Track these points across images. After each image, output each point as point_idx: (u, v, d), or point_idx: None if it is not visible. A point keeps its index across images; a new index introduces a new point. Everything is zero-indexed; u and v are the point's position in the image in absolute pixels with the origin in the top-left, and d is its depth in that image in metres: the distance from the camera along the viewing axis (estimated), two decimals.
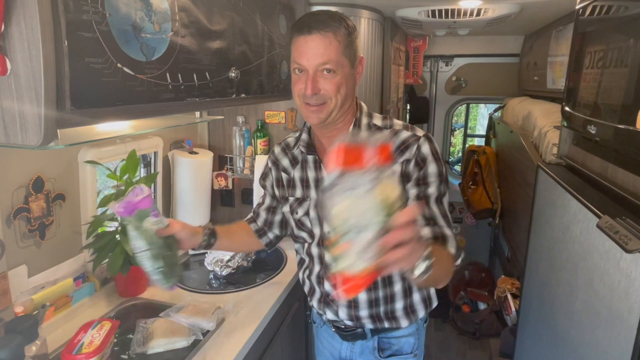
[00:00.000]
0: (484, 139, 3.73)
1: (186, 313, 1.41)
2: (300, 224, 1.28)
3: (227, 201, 2.31)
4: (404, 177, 1.10)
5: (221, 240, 1.32)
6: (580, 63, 1.29)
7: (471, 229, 3.90)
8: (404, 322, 1.24)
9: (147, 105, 1.07)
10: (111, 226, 1.58)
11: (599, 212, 0.99)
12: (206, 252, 1.88)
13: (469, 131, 4.89)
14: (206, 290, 1.70)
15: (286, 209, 1.31)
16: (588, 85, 1.21)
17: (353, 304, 1.23)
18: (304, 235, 1.28)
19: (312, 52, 1.05)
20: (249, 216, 1.47)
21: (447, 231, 1.07)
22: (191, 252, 2.03)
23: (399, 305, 1.22)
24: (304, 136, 1.24)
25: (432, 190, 1.09)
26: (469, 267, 3.62)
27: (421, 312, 1.26)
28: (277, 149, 1.34)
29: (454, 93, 3.77)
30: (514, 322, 2.26)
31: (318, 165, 1.21)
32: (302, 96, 1.09)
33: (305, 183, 1.24)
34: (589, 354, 1.05)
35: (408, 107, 3.76)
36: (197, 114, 1.70)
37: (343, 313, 1.25)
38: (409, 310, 1.24)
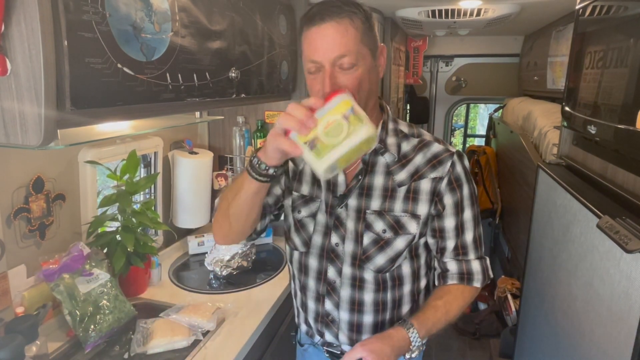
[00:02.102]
0: (484, 139, 3.73)
1: (186, 313, 1.41)
2: (299, 226, 1.12)
3: None
4: (432, 196, 1.02)
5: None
6: (580, 63, 1.29)
7: None
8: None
9: (147, 105, 1.07)
10: (111, 226, 1.58)
11: (599, 212, 0.99)
12: (206, 252, 1.88)
13: (469, 131, 4.90)
14: (206, 290, 1.70)
15: (287, 202, 1.14)
16: (588, 85, 1.21)
17: (356, 328, 1.11)
18: (298, 241, 1.12)
19: (328, 43, 0.90)
20: None
21: (474, 265, 1.06)
22: (191, 252, 2.03)
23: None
24: None
25: (468, 214, 1.05)
26: None
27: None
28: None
29: (454, 93, 3.77)
30: (514, 322, 2.26)
31: None
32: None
33: (316, 181, 1.09)
34: (589, 354, 1.05)
35: (408, 107, 3.76)
36: (197, 114, 1.70)
37: (343, 336, 1.13)
38: None
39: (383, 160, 1.03)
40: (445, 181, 1.01)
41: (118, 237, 1.52)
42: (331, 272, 1.09)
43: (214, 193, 2.25)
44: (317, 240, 1.09)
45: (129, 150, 1.56)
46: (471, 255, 1.06)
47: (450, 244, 1.06)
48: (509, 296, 2.42)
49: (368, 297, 1.08)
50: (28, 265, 1.29)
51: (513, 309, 2.33)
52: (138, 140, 1.71)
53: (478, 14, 2.21)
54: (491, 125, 3.48)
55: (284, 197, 1.16)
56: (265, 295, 1.65)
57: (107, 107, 0.95)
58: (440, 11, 2.20)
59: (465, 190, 1.04)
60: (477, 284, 1.06)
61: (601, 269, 0.99)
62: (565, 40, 2.12)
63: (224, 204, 1.05)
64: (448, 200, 1.03)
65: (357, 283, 1.07)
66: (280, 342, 1.71)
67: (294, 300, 1.24)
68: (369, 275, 1.06)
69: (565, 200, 1.24)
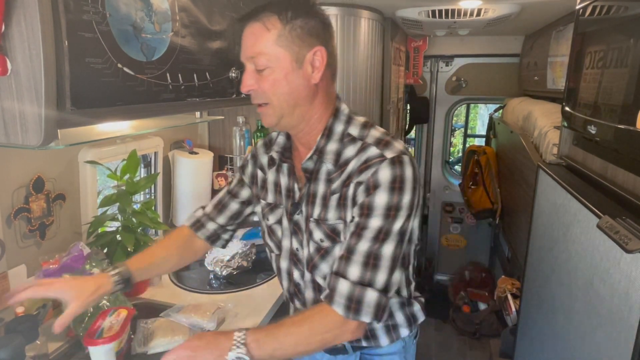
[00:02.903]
0: (484, 139, 3.73)
1: (186, 313, 1.41)
2: (271, 232, 1.15)
3: None
4: (352, 201, 0.94)
5: (140, 277, 1.18)
6: (580, 63, 1.29)
7: (471, 229, 3.90)
8: (384, 341, 1.10)
9: (147, 105, 1.07)
10: (111, 226, 1.58)
11: (599, 212, 0.99)
12: (206, 252, 1.88)
13: (469, 131, 4.89)
14: (206, 290, 1.70)
15: (258, 209, 1.19)
16: (588, 85, 1.21)
17: None
18: (272, 245, 1.15)
19: (245, 42, 0.93)
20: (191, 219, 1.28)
21: (342, 284, 0.90)
22: None
23: (377, 324, 1.07)
24: (281, 139, 1.09)
25: (373, 223, 0.90)
26: (469, 267, 3.62)
27: (404, 331, 1.11)
28: (260, 142, 1.20)
29: (454, 93, 3.77)
30: (514, 322, 2.26)
31: (291, 172, 1.06)
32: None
33: (278, 188, 1.10)
34: (589, 354, 1.05)
35: (408, 107, 3.76)
36: (197, 114, 1.70)
37: None
38: (391, 329, 1.10)
39: (325, 168, 1.00)
40: (363, 186, 0.92)
41: (118, 237, 1.52)
42: (296, 275, 1.11)
43: (214, 193, 2.25)
44: (285, 244, 1.11)
45: (129, 150, 1.56)
46: (350, 272, 0.90)
47: (338, 249, 0.98)
48: (509, 296, 2.41)
49: None
50: (28, 265, 1.29)
51: (513, 309, 2.32)
52: (138, 140, 1.71)
53: (478, 14, 2.21)
54: (491, 125, 3.48)
55: (254, 205, 1.22)
56: (265, 295, 1.65)
57: (107, 107, 0.95)
58: (440, 11, 2.20)
59: (380, 197, 0.90)
60: (338, 309, 0.89)
61: (601, 269, 0.99)
62: (565, 40, 2.12)
63: None
64: (359, 201, 0.93)
65: (316, 287, 1.07)
66: None
67: None
68: (321, 282, 1.05)
69: (565, 200, 1.24)
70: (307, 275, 1.07)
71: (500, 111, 3.27)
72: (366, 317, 0.90)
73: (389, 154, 0.92)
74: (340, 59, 2.08)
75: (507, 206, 2.75)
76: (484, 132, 3.81)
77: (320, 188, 1.00)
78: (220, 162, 2.26)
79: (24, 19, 0.76)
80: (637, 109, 0.89)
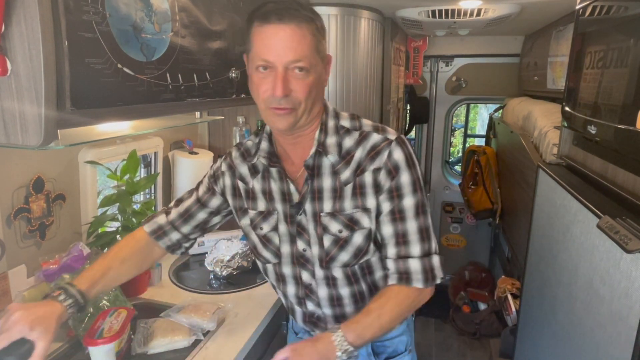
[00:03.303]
0: (484, 139, 3.73)
1: (186, 313, 1.41)
2: (265, 241, 1.12)
3: None
4: (376, 188, 1.00)
5: (96, 294, 1.09)
6: (580, 63, 1.29)
7: (471, 229, 3.90)
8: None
9: (147, 105, 1.07)
10: (111, 226, 1.58)
11: (599, 213, 0.99)
12: (206, 252, 1.88)
13: (469, 131, 4.90)
14: (206, 290, 1.70)
15: (245, 222, 1.14)
16: (588, 85, 1.21)
17: (342, 318, 1.12)
18: (268, 255, 1.13)
19: (284, 45, 0.88)
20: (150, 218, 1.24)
21: (413, 263, 0.99)
22: (191, 252, 2.03)
23: None
24: (264, 144, 1.07)
25: (409, 202, 0.98)
26: (469, 267, 3.62)
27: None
28: (234, 153, 1.15)
29: (454, 93, 3.77)
30: (514, 322, 2.26)
31: (283, 176, 1.05)
32: (268, 99, 0.92)
33: (268, 195, 1.09)
34: (589, 354, 1.05)
35: (408, 107, 3.76)
36: (197, 114, 1.70)
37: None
38: None
39: (327, 161, 1.02)
40: (383, 171, 0.98)
41: (118, 237, 1.52)
42: (305, 276, 1.11)
43: None
44: (285, 249, 1.10)
45: (129, 150, 1.57)
46: (413, 251, 0.99)
47: (387, 230, 1.01)
48: (509, 296, 2.41)
49: (344, 291, 1.10)
50: (28, 265, 1.29)
51: (513, 309, 2.32)
52: (138, 140, 1.71)
53: (478, 14, 2.21)
54: (491, 125, 3.48)
55: (237, 218, 1.18)
56: (265, 295, 1.65)
57: (107, 107, 0.95)
58: (440, 11, 2.20)
59: (404, 176, 0.98)
60: (418, 284, 0.98)
61: (601, 269, 0.99)
62: (565, 40, 2.12)
63: None
64: (385, 187, 0.99)
65: (331, 281, 1.09)
66: (280, 342, 1.71)
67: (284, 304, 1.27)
68: (338, 273, 1.08)
69: (565, 200, 1.24)
70: (320, 272, 1.09)
71: (500, 111, 3.27)
72: (438, 279, 1.01)
73: (392, 136, 1.00)
74: (340, 59, 2.09)
75: (507, 206, 2.75)
76: (484, 132, 3.81)
77: (327, 182, 1.02)
78: None
79: (24, 19, 0.76)
80: (637, 109, 0.89)
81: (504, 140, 2.89)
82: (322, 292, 1.11)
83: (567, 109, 1.38)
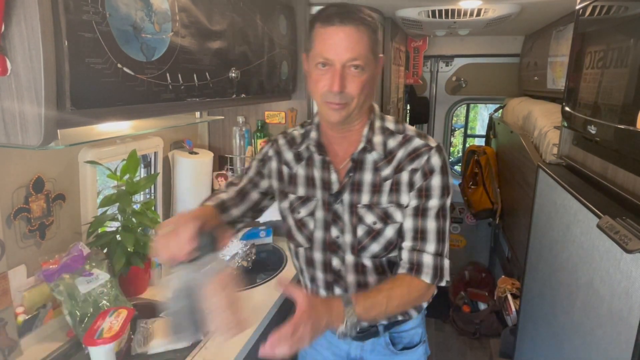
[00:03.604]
0: (484, 139, 3.73)
1: None
2: (300, 225, 1.19)
3: None
4: (410, 187, 1.08)
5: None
6: (580, 63, 1.29)
7: (471, 229, 3.90)
8: (413, 313, 1.25)
9: (147, 105, 1.07)
10: (111, 226, 1.58)
11: (599, 212, 0.99)
12: None
13: (469, 131, 4.90)
14: None
15: (284, 205, 1.21)
16: (588, 85, 1.21)
17: None
18: (301, 238, 1.19)
19: (343, 44, 0.97)
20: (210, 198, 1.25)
21: (426, 259, 1.06)
22: None
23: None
24: (314, 134, 1.16)
25: (434, 204, 1.07)
26: (469, 267, 3.62)
27: (424, 303, 1.26)
28: (281, 140, 1.24)
29: (454, 93, 3.77)
30: (514, 322, 2.26)
31: (326, 166, 1.14)
32: (325, 94, 1.01)
33: (311, 182, 1.16)
34: (589, 354, 1.05)
35: (408, 107, 3.75)
36: (197, 114, 1.70)
37: None
38: None
39: (371, 157, 1.10)
40: (419, 172, 1.07)
41: (118, 237, 1.52)
42: (335, 262, 1.17)
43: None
44: (318, 235, 1.16)
45: (129, 150, 1.56)
46: (428, 247, 1.07)
47: (407, 224, 1.08)
48: (509, 296, 2.41)
49: (372, 279, 1.16)
50: (28, 265, 1.29)
51: (513, 309, 2.33)
52: (138, 140, 1.71)
53: (478, 14, 2.21)
54: (491, 125, 3.48)
55: (278, 200, 1.25)
56: (265, 295, 1.65)
57: (107, 107, 0.95)
58: (440, 11, 2.20)
59: (435, 179, 1.07)
60: (426, 278, 1.05)
61: (601, 269, 0.99)
62: (565, 40, 2.12)
63: None
64: (417, 186, 1.08)
65: (360, 269, 1.16)
66: None
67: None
68: (367, 262, 1.14)
69: (565, 200, 1.24)
70: (350, 259, 1.15)
71: (500, 111, 3.27)
72: (444, 281, 1.08)
73: (432, 144, 1.09)
74: None
75: (507, 206, 2.75)
76: (483, 132, 3.81)
77: (367, 176, 1.10)
78: (220, 162, 2.26)
79: (24, 19, 0.76)
80: (637, 109, 0.89)
81: (504, 140, 2.89)
82: (351, 278, 1.17)
83: (567, 109, 1.38)
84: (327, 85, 1.00)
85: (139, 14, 0.99)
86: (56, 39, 0.79)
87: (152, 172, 1.91)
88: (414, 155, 1.08)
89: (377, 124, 1.13)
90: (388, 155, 1.10)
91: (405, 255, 1.08)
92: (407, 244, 1.08)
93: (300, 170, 1.18)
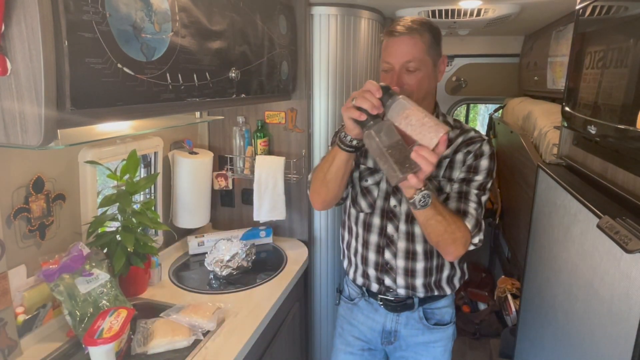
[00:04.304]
0: None
1: (186, 313, 1.41)
2: (365, 191, 1.38)
3: (227, 201, 2.31)
4: (462, 164, 1.29)
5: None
6: (580, 63, 1.29)
7: None
8: (448, 290, 1.41)
9: (147, 105, 1.07)
10: (111, 226, 1.58)
11: (599, 213, 0.99)
12: (206, 252, 1.88)
13: None
14: (206, 290, 1.70)
15: (355, 173, 1.39)
16: (588, 85, 1.21)
17: (410, 272, 1.36)
18: (364, 204, 1.38)
19: (399, 51, 1.21)
20: None
21: (471, 210, 1.23)
22: (191, 252, 2.03)
23: (445, 274, 1.40)
24: None
25: (479, 178, 1.27)
26: (469, 268, 3.61)
27: (457, 283, 1.45)
28: None
29: (454, 93, 3.77)
30: (514, 322, 2.26)
31: None
32: None
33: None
34: (589, 354, 1.05)
35: None
36: (197, 114, 1.70)
37: (401, 280, 1.37)
38: (450, 280, 1.42)
39: None
40: (472, 154, 1.29)
41: (118, 237, 1.52)
42: (390, 229, 1.36)
43: (214, 193, 2.25)
44: (379, 203, 1.36)
45: (129, 150, 1.56)
46: (471, 204, 1.25)
47: (455, 188, 1.28)
48: (509, 296, 2.42)
49: (419, 247, 1.35)
50: (28, 265, 1.29)
51: (513, 309, 2.33)
52: (138, 140, 1.71)
53: (478, 14, 2.21)
54: (491, 125, 3.48)
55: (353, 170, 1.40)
56: (265, 295, 1.65)
57: (107, 107, 0.95)
58: (440, 11, 2.20)
59: (484, 161, 1.28)
60: (469, 223, 1.21)
61: (601, 269, 0.99)
62: (565, 41, 2.12)
63: (319, 175, 1.28)
64: (467, 163, 1.29)
65: (410, 237, 1.34)
66: (280, 342, 1.71)
67: (348, 260, 1.49)
68: (418, 230, 1.32)
69: (565, 200, 1.24)
70: (403, 227, 1.34)
71: (500, 111, 3.27)
72: (478, 238, 1.25)
73: (485, 137, 1.33)
74: (340, 59, 2.09)
75: (507, 206, 2.75)
76: (484, 132, 3.80)
77: None
78: (220, 162, 2.26)
79: (24, 19, 0.76)
80: (637, 109, 0.89)
81: (504, 140, 2.89)
82: (402, 244, 1.35)
83: (567, 109, 1.38)
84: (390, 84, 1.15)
85: (139, 14, 0.99)
86: (56, 39, 0.79)
87: (152, 172, 1.91)
88: (470, 141, 1.31)
89: (441, 118, 1.35)
90: (448, 140, 1.26)
91: (452, 203, 1.25)
92: (453, 200, 1.26)
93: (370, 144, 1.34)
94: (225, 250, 1.84)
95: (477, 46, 3.50)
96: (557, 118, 1.80)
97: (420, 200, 1.07)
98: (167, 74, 1.11)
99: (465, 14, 2.23)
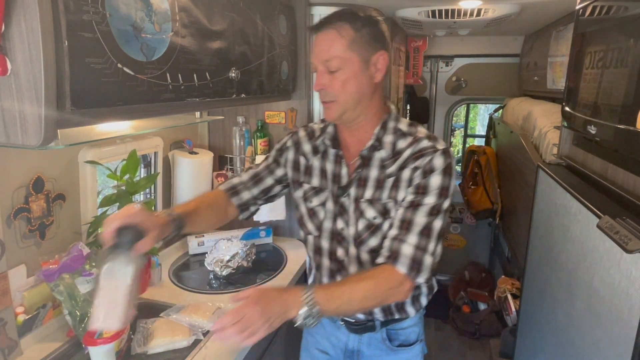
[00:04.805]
0: (484, 139, 3.73)
1: (186, 313, 1.41)
2: (311, 213, 1.24)
3: None
4: (409, 183, 1.10)
5: (188, 227, 1.14)
6: (580, 63, 1.29)
7: (471, 229, 3.90)
8: (411, 312, 1.25)
9: (147, 105, 1.07)
10: None
11: (599, 213, 0.99)
12: (206, 252, 1.88)
13: (469, 131, 4.89)
14: (206, 290, 1.70)
15: (299, 194, 1.27)
16: (588, 85, 1.21)
17: None
18: (311, 227, 1.25)
19: (317, 49, 1.08)
20: (225, 183, 1.35)
21: (405, 250, 1.04)
22: (191, 252, 2.03)
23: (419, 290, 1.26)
24: (330, 129, 1.22)
25: (429, 201, 1.07)
26: (469, 268, 3.62)
27: (424, 301, 1.29)
28: (301, 132, 1.30)
29: (454, 93, 3.77)
30: (514, 322, 2.26)
31: (339, 160, 1.19)
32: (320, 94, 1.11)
33: (324, 174, 1.22)
34: (589, 354, 1.05)
35: (408, 107, 3.75)
36: (197, 114, 1.70)
37: None
38: (415, 299, 1.26)
39: (379, 155, 1.14)
40: (420, 170, 1.09)
41: None
42: (340, 252, 1.21)
43: None
44: (327, 225, 1.22)
45: (129, 150, 1.56)
46: (410, 238, 1.05)
47: (398, 215, 1.09)
48: (509, 296, 2.42)
49: None
50: (28, 265, 1.29)
51: (513, 309, 2.33)
52: (138, 140, 1.71)
53: (478, 14, 2.21)
54: (491, 125, 3.48)
55: (293, 189, 1.31)
56: None
57: (107, 107, 0.95)
58: (440, 11, 2.20)
59: (435, 178, 1.07)
60: (402, 268, 1.03)
61: (601, 269, 0.99)
62: (565, 41, 2.12)
63: None
64: (415, 182, 1.09)
65: (360, 261, 1.19)
66: (280, 343, 1.71)
67: (309, 278, 1.38)
68: (365, 256, 1.18)
69: (565, 200, 1.24)
70: (353, 251, 1.19)
71: (500, 111, 3.27)
72: (422, 278, 1.05)
73: (440, 146, 1.10)
74: None
75: (507, 206, 2.75)
76: (483, 132, 3.81)
77: (373, 173, 1.14)
78: (220, 162, 2.26)
79: (24, 19, 0.76)
80: (637, 109, 0.89)
81: (504, 140, 2.89)
82: (353, 269, 1.21)
83: (567, 109, 1.38)
84: (316, 86, 1.09)
85: (139, 14, 0.99)
86: (56, 39, 0.79)
87: (152, 172, 1.91)
88: (419, 154, 1.10)
89: (391, 124, 1.16)
90: (396, 155, 1.13)
91: (386, 243, 1.08)
92: (392, 232, 1.09)
93: (316, 162, 1.24)
94: (225, 250, 1.84)
95: (477, 46, 3.50)
96: (557, 118, 1.80)
97: (308, 320, 0.92)
98: (167, 74, 1.11)
99: (465, 14, 2.23)
